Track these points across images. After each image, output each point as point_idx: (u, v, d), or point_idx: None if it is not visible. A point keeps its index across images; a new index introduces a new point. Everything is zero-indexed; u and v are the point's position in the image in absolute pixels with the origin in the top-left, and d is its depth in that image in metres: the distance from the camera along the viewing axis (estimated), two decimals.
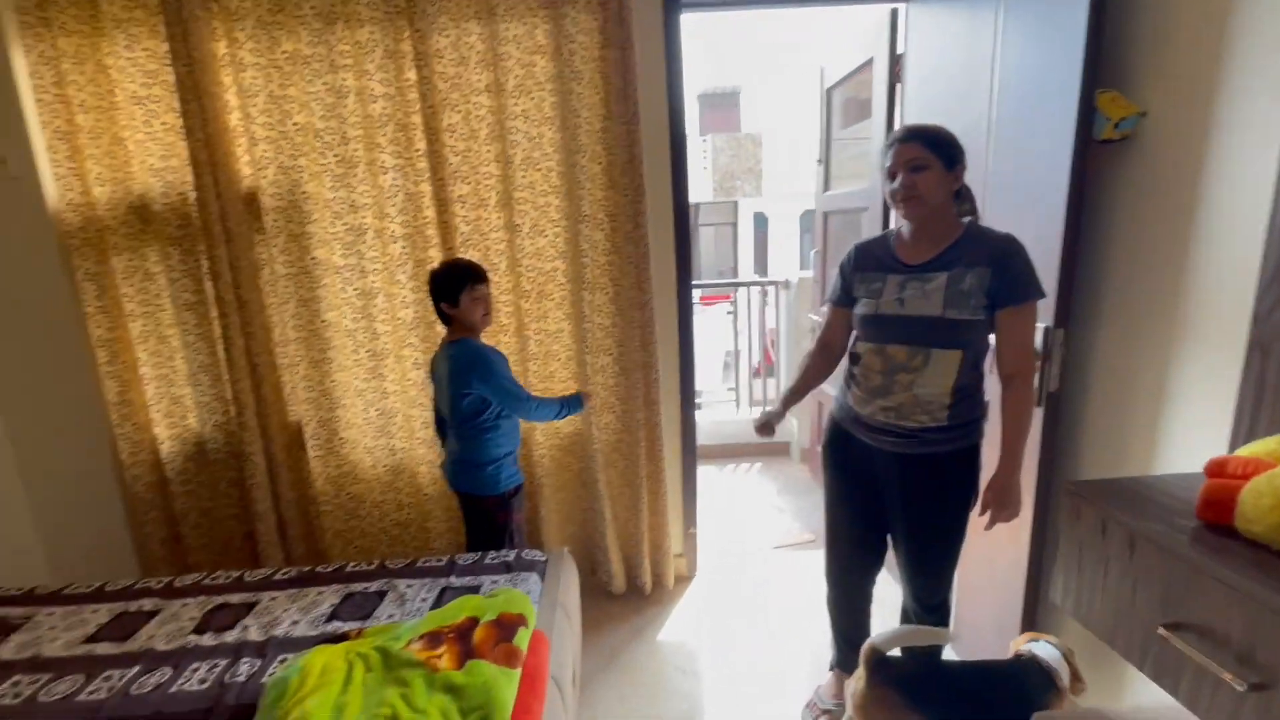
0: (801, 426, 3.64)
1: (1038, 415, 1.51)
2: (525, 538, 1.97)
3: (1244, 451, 1.01)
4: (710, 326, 7.18)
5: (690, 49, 2.07)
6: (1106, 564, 1.04)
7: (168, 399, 2.15)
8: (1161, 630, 0.94)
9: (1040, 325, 1.47)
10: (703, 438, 3.85)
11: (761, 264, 13.86)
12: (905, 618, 1.64)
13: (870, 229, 2.35)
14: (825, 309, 1.61)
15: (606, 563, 2.30)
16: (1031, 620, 1.65)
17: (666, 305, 2.23)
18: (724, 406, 4.56)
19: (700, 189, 13.79)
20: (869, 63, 2.37)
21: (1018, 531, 1.62)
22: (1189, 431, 1.30)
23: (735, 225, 14.33)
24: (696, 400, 4.99)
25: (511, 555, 1.78)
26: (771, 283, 3.93)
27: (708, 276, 13.81)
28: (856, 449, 1.52)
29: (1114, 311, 1.47)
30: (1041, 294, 1.32)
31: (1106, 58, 1.36)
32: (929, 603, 1.56)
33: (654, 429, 2.21)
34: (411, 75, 1.95)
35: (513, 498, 1.87)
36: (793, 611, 2.29)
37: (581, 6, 1.91)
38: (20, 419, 2.16)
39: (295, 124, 1.97)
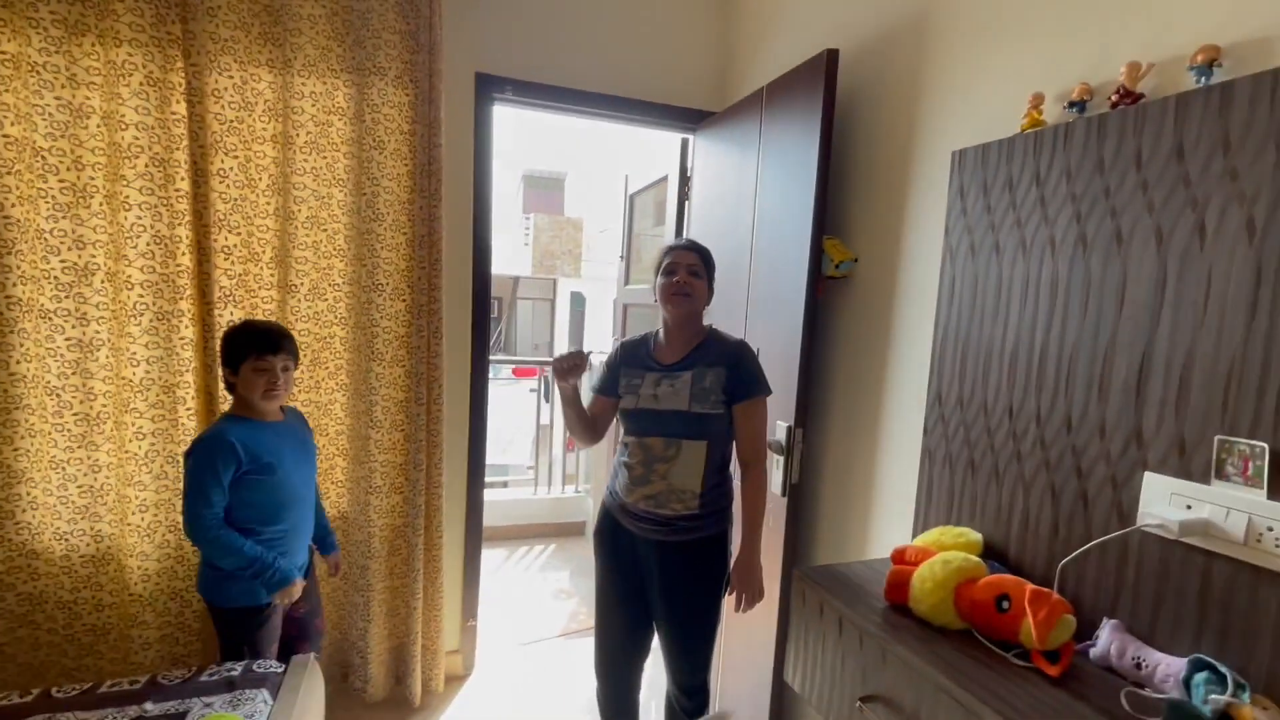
0: (597, 507, 3.69)
1: (783, 505, 1.71)
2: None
3: (918, 541, 1.23)
4: (523, 400, 7.12)
5: (518, 129, 2.15)
6: (823, 642, 1.18)
7: None
8: (859, 703, 1.08)
9: (784, 424, 1.69)
10: (498, 518, 3.72)
11: (577, 341, 14.25)
12: (669, 704, 1.68)
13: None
14: (592, 398, 1.70)
15: (364, 665, 2.05)
16: (780, 699, 1.78)
17: (458, 382, 2.17)
18: (527, 487, 4.46)
19: (520, 264, 13.98)
20: (664, 179, 2.66)
21: (767, 614, 1.77)
22: (890, 521, 1.55)
23: (554, 302, 14.67)
24: (503, 479, 4.84)
25: (237, 669, 1.50)
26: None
27: (524, 349, 13.80)
28: (624, 538, 1.59)
29: (838, 416, 1.75)
30: (768, 391, 1.53)
31: (832, 210, 1.68)
32: (689, 685, 1.61)
33: (435, 512, 2.07)
34: (180, 110, 1.75)
35: (249, 617, 1.56)
36: (571, 706, 2.21)
37: (391, 79, 1.90)
38: None
39: (7, 136, 1.63)
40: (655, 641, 1.67)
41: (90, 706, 1.36)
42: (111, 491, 1.82)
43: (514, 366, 9.06)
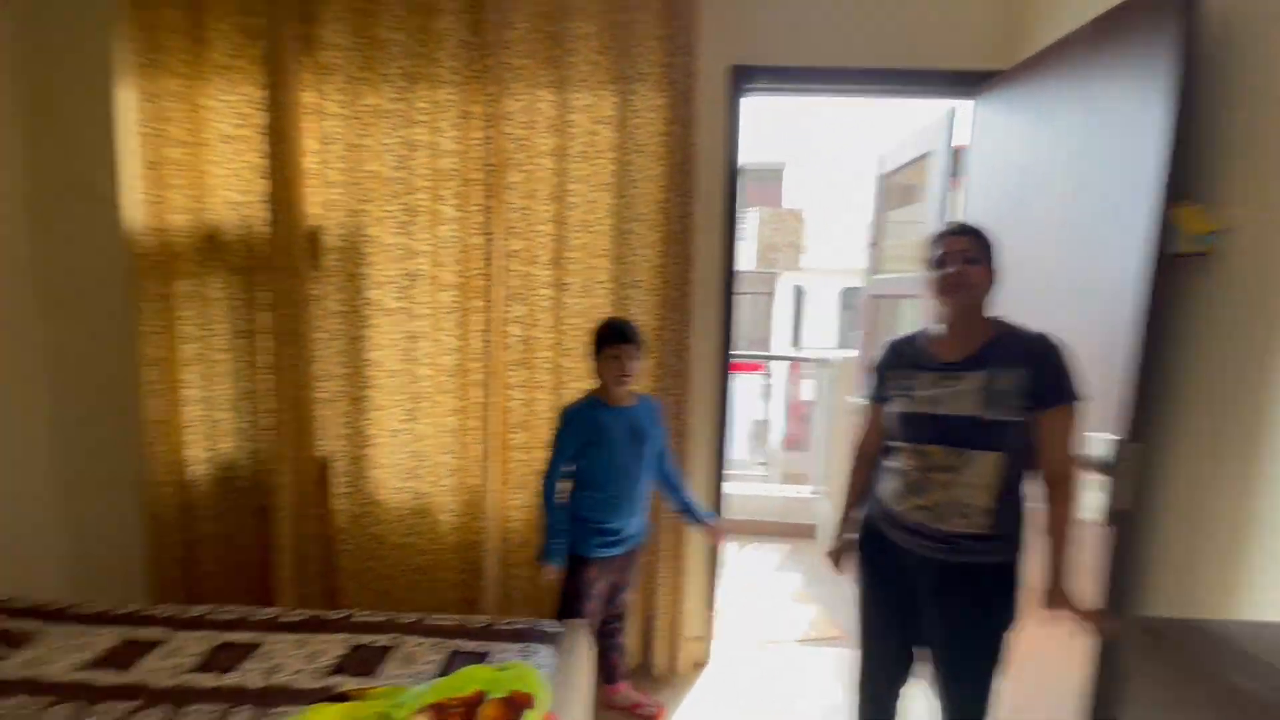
0: (838, 514, 3.51)
1: (1102, 535, 1.42)
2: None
3: None
4: (738, 393, 7.11)
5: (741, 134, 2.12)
6: (1191, 713, 0.94)
7: (207, 422, 2.18)
8: None
9: (1107, 436, 1.39)
10: (728, 512, 3.74)
11: (795, 336, 13.83)
12: None
13: (921, 316, 2.31)
14: (864, 407, 1.57)
15: None
16: None
17: (705, 374, 2.20)
18: (751, 480, 4.44)
19: (741, 258, 13.96)
20: (925, 156, 2.40)
21: (1070, 652, 1.49)
22: (1276, 572, 1.19)
23: (772, 296, 14.42)
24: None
25: (524, 623, 1.70)
26: (808, 359, 3.89)
27: (740, 344, 13.81)
28: (890, 550, 1.44)
29: (1188, 430, 1.39)
30: (1083, 396, 1.27)
31: (1188, 167, 1.33)
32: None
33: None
34: (480, 134, 2.03)
35: (581, 569, 1.83)
36: (815, 715, 2.12)
37: (651, 84, 1.99)
38: (66, 429, 2.21)
39: (368, 171, 2.06)
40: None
41: (421, 633, 1.66)
42: (429, 458, 2.20)
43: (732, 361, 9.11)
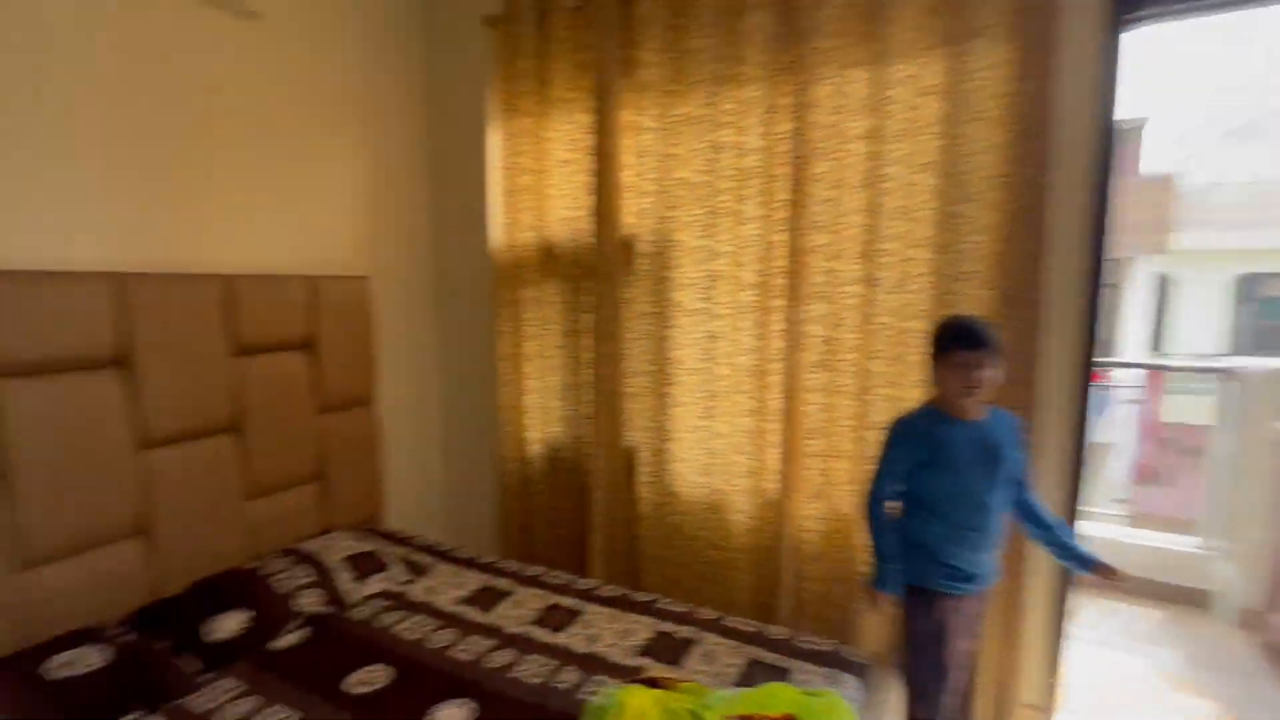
0: (1247, 575, 2.58)
1: None
2: (944, 682, 1.53)
3: None
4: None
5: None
6: None
7: (542, 409, 2.55)
8: None
9: None
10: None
11: (1156, 338, 10.79)
12: None
13: None
14: None
15: None
16: None
17: (1057, 385, 1.78)
18: (1103, 520, 3.55)
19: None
20: None
21: None
22: None
23: (1119, 287, 11.50)
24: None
25: (827, 646, 1.58)
26: (1210, 370, 2.93)
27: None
28: None
29: None
30: None
31: None
32: None
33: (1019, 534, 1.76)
34: (786, 127, 1.96)
35: (929, 605, 1.53)
36: None
37: (994, 37, 1.67)
38: (452, 411, 2.81)
39: (677, 178, 2.16)
40: None
41: (719, 634, 1.66)
42: (723, 456, 2.21)
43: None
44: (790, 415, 2.04)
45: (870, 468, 1.62)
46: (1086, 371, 1.78)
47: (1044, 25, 1.60)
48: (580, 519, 2.51)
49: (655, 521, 2.35)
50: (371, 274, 2.40)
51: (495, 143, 2.47)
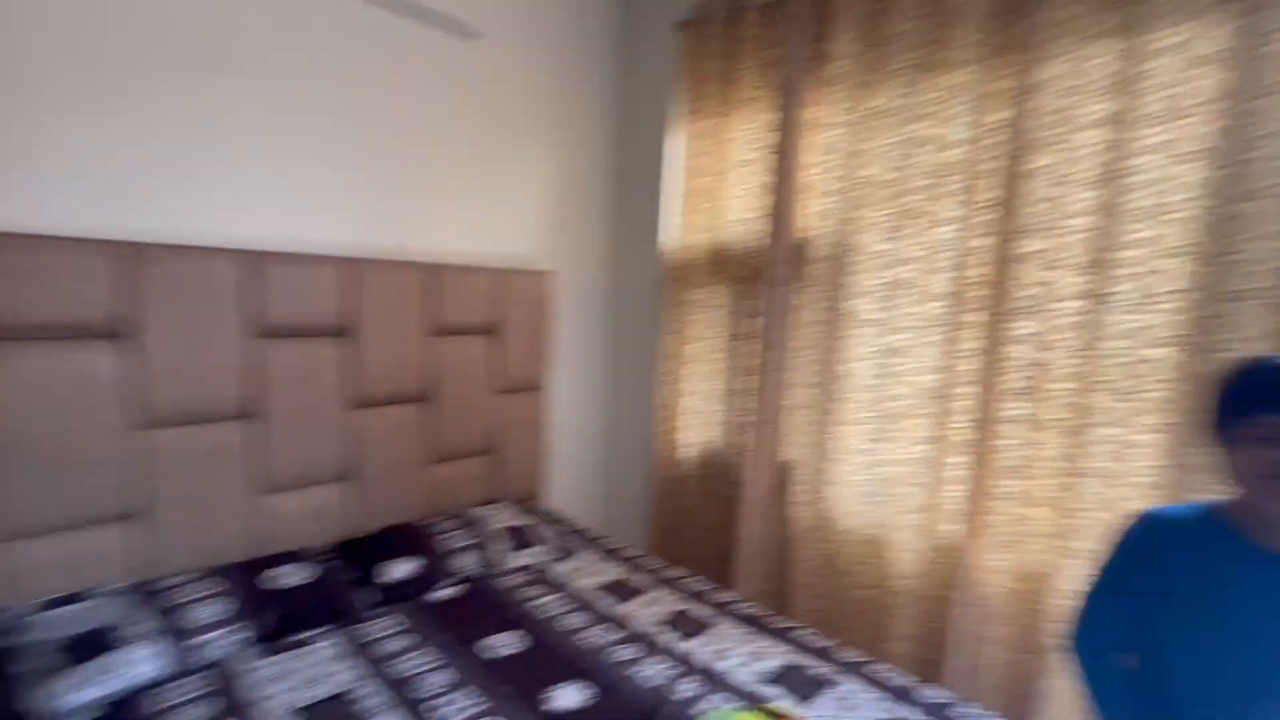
0: None
1: None
2: None
3: None
4: None
5: None
6: None
7: (700, 412, 2.51)
8: None
9: None
10: None
11: None
12: None
13: None
14: None
15: None
16: None
17: None
18: None
19: None
20: None
21: None
22: None
23: None
24: None
25: (990, 716, 1.31)
26: None
27: None
28: None
29: None
30: None
31: None
32: None
33: None
34: (1000, 116, 1.70)
35: None
36: None
37: None
38: (616, 405, 2.90)
39: (863, 177, 1.98)
40: None
41: (858, 678, 1.47)
42: (893, 485, 1.98)
43: None
44: (980, 448, 1.76)
45: (1084, 582, 1.04)
46: None
47: None
48: (728, 529, 2.42)
49: (807, 546, 2.18)
50: (553, 269, 2.56)
51: (677, 145, 2.50)
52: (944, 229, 1.82)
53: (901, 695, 1.41)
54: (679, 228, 2.51)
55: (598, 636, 1.58)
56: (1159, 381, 1.50)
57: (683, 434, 2.55)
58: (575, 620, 1.65)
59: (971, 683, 1.80)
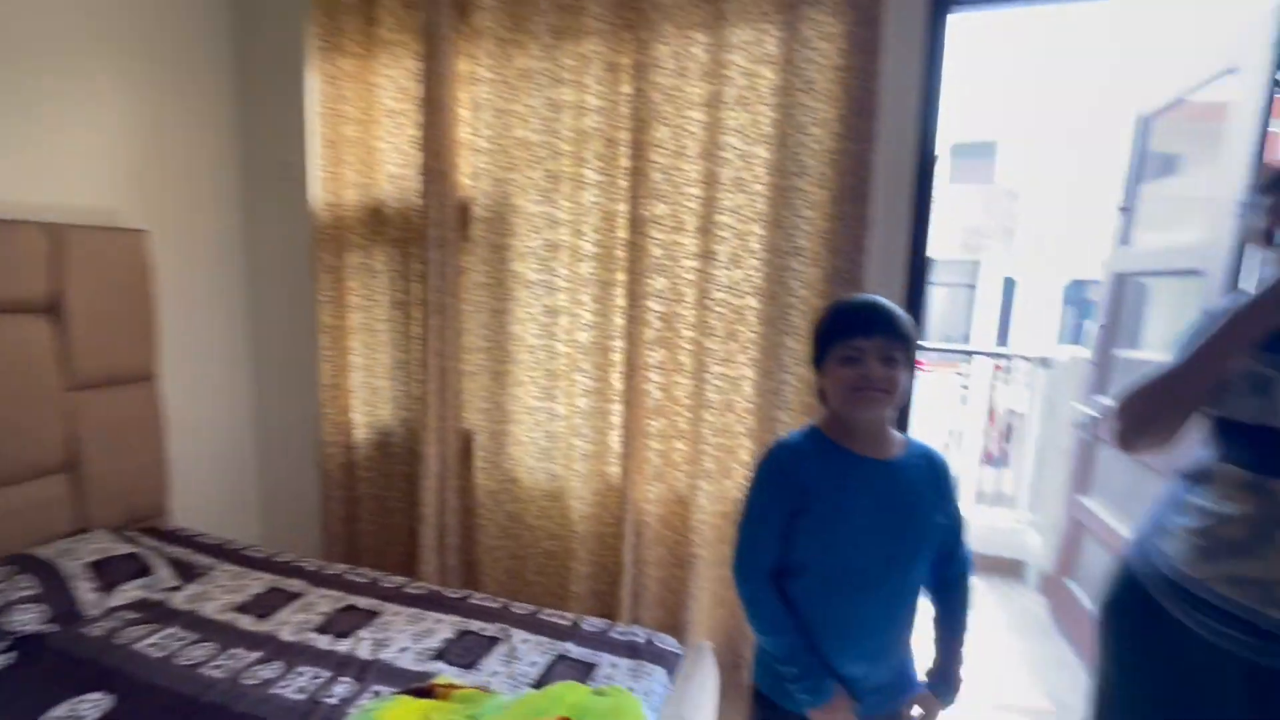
0: (1046, 544, 2.82)
1: None
2: None
3: None
4: (927, 397, 6.24)
5: (945, 98, 1.67)
6: None
7: (368, 388, 2.29)
8: None
9: None
10: None
11: (1002, 335, 12.00)
12: None
13: (1197, 300, 1.67)
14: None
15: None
16: None
17: None
18: None
19: (940, 243, 12.48)
20: (1228, 73, 1.72)
21: None
22: None
23: (974, 288, 12.65)
24: None
25: (641, 636, 1.49)
26: (1021, 357, 3.17)
27: (933, 341, 12.30)
28: (1168, 633, 0.96)
29: None
30: None
31: None
32: None
33: None
34: (627, 88, 1.84)
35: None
36: None
37: (828, 7, 1.63)
38: (264, 389, 2.47)
39: (515, 138, 1.98)
40: None
41: (531, 629, 1.52)
42: (563, 439, 2.08)
43: (922, 359, 8.08)
44: (631, 394, 1.94)
45: (735, 518, 1.12)
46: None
47: (870, 1, 1.58)
48: (412, 510, 2.29)
49: (493, 510, 2.18)
50: (151, 228, 2.03)
51: (314, 86, 2.17)
52: (589, 192, 1.93)
53: (565, 634, 1.50)
54: (326, 182, 2.20)
55: (227, 664, 1.33)
56: (751, 326, 1.83)
57: (354, 414, 2.31)
58: (197, 653, 1.36)
59: (637, 606, 2.03)
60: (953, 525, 1.08)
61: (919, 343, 1.06)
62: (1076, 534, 2.35)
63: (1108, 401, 1.48)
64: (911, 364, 1.01)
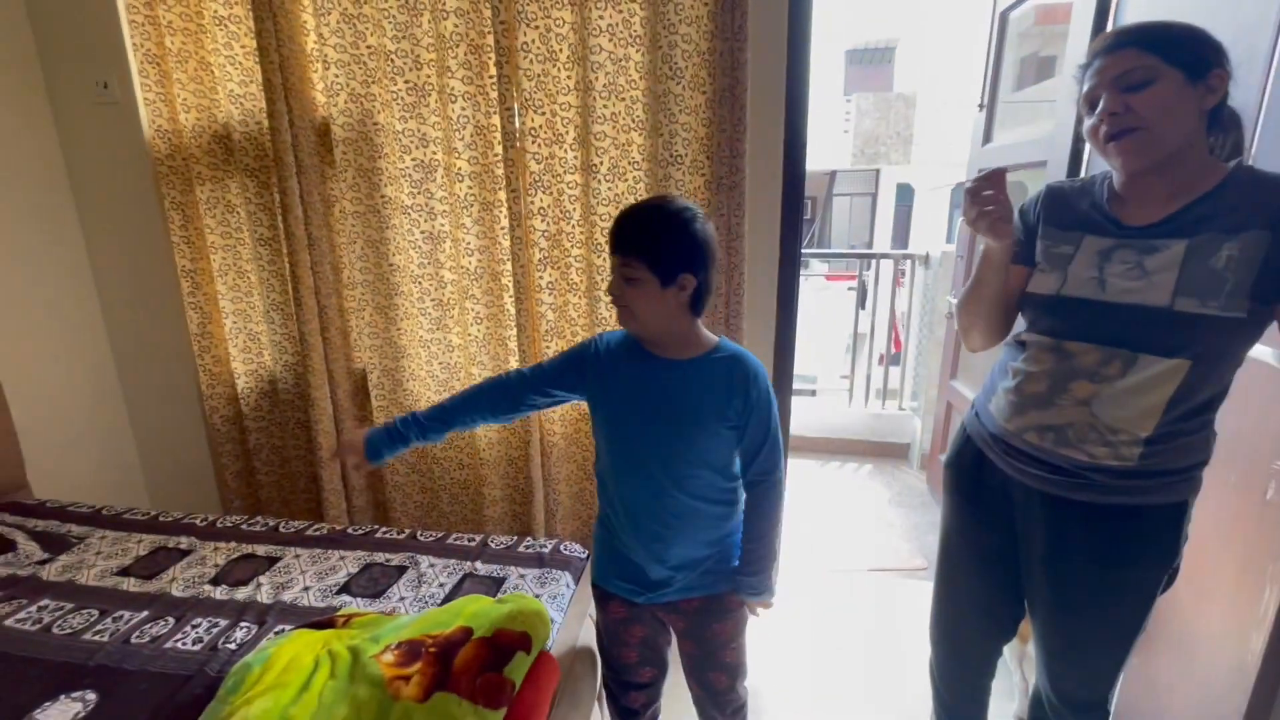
0: (925, 427, 3.11)
1: None
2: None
3: None
4: (835, 306, 6.56)
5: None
6: None
7: (245, 334, 2.14)
8: None
9: None
10: (807, 428, 3.44)
11: (901, 241, 12.62)
12: (1039, 711, 1.21)
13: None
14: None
15: None
16: None
17: (765, 273, 1.85)
18: (840, 396, 4.06)
19: (839, 155, 12.73)
20: None
21: (1243, 623, 1.12)
22: None
23: (875, 197, 13.12)
24: (811, 388, 4.55)
25: (547, 546, 1.54)
26: (907, 256, 3.36)
27: (839, 250, 12.78)
28: (992, 480, 1.11)
29: None
30: None
31: None
32: (1080, 699, 1.12)
33: None
34: None
35: (599, 604, 1.25)
36: (882, 656, 1.88)
37: None
38: (124, 344, 2.25)
39: (369, 46, 1.80)
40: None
41: (439, 554, 1.54)
42: (461, 369, 2.05)
43: (829, 270, 8.41)
44: (525, 319, 1.91)
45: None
46: (791, 256, 1.86)
47: None
48: (310, 456, 2.21)
49: None
50: None
51: None
52: (458, 105, 1.81)
53: (472, 554, 1.53)
54: (156, 104, 1.94)
55: (111, 628, 1.28)
56: None
57: (234, 364, 2.16)
58: (75, 621, 1.30)
59: (552, 522, 2.09)
60: (747, 427, 1.06)
61: (705, 251, 1.02)
62: (949, 415, 2.60)
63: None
64: (651, 279, 0.98)
